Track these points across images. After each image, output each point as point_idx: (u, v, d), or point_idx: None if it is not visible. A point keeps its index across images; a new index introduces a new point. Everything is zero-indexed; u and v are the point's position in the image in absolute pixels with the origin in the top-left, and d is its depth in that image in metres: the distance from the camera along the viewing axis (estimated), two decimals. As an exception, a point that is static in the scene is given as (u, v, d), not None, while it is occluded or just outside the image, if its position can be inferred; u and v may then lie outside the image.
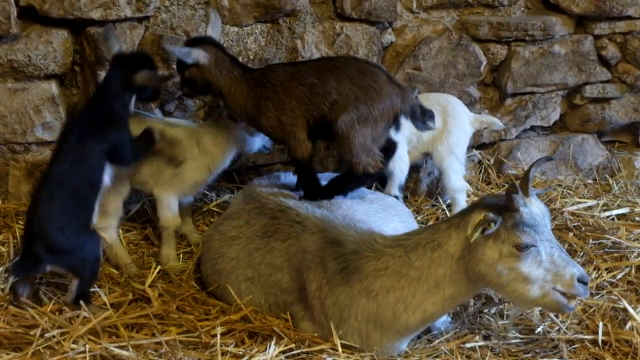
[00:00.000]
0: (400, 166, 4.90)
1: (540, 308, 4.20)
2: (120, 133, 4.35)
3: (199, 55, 4.50)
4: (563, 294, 3.56)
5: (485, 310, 4.29)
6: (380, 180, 5.16)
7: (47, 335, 3.72)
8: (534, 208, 3.60)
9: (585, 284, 3.57)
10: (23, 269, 4.07)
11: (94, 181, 4.24)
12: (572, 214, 5.23)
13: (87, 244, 4.14)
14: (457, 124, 5.25)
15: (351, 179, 4.50)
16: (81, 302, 4.01)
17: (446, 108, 5.23)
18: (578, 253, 4.77)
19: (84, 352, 3.61)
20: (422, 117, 4.39)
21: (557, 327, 4.12)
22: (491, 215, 3.51)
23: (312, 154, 4.57)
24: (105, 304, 4.07)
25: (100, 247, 4.27)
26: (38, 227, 4.04)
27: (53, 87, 5.05)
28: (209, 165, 4.81)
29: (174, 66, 4.84)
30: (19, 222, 4.89)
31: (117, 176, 4.47)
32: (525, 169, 5.55)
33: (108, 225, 4.65)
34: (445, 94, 5.49)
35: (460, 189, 5.25)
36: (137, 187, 4.86)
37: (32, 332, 3.75)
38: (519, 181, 3.68)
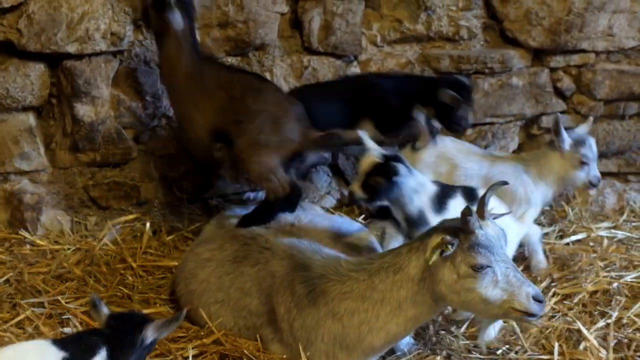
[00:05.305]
0: None
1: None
2: None
3: (177, 19, 4.54)
4: (520, 311, 3.54)
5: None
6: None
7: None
8: (489, 230, 3.59)
9: (541, 302, 3.55)
10: None
11: None
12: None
13: None
14: None
15: (265, 206, 4.62)
16: None
17: None
18: (538, 279, 4.84)
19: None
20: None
21: (516, 348, 4.14)
22: (448, 237, 3.51)
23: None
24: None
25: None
26: None
27: (31, 118, 5.10)
28: None
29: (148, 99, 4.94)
30: (-1, 248, 4.84)
31: None
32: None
33: None
34: None
35: None
36: None
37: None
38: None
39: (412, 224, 4.29)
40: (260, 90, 4.59)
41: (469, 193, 4.38)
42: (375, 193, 4.23)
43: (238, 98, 4.49)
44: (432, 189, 4.36)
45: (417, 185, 4.28)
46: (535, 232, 5.03)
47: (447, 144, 5.19)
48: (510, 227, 4.39)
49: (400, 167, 4.18)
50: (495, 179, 4.81)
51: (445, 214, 4.27)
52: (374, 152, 4.24)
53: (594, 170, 4.96)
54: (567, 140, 4.91)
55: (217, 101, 4.52)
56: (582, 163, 4.93)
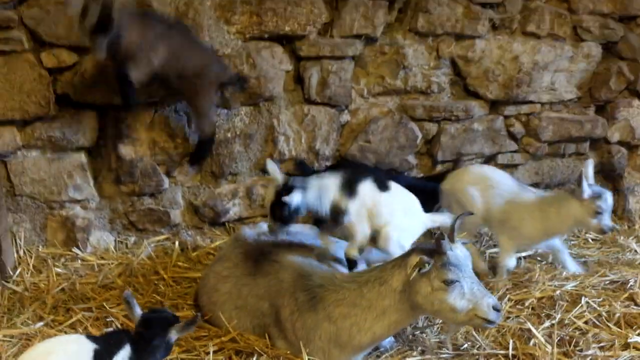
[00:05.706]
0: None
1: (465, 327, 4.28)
2: None
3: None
4: (482, 318, 3.58)
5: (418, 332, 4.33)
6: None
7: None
8: (458, 252, 3.65)
9: (498, 310, 3.61)
10: None
11: None
12: (491, 256, 5.41)
13: None
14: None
15: (202, 145, 5.13)
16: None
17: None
18: (495, 287, 4.80)
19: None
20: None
21: (477, 344, 4.15)
22: (426, 258, 3.58)
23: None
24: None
25: None
26: None
27: (82, 157, 5.17)
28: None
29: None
30: (55, 264, 5.00)
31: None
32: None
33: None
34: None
35: None
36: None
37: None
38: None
39: (333, 216, 4.26)
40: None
41: (380, 181, 4.34)
42: (285, 220, 4.20)
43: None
44: (335, 181, 4.27)
45: (318, 192, 4.22)
46: (512, 264, 5.04)
47: (489, 171, 5.25)
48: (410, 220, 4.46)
49: (292, 197, 4.13)
50: (517, 205, 4.96)
51: (358, 198, 4.25)
52: (270, 191, 4.21)
53: (606, 219, 4.80)
54: (587, 190, 4.75)
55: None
56: (597, 213, 4.77)
